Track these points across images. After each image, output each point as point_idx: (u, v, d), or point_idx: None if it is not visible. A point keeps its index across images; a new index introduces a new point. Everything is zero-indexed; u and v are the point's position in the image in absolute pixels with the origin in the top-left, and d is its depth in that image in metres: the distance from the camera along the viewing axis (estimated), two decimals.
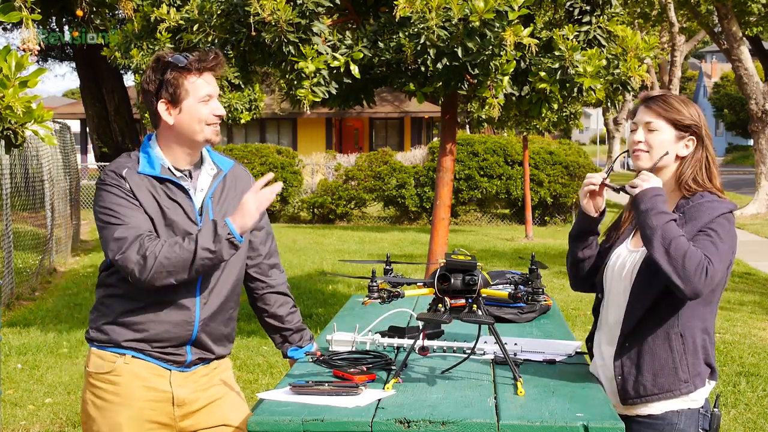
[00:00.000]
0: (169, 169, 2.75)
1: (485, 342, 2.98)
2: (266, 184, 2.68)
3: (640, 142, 2.70)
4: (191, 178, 2.80)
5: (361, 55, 6.52)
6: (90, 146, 30.83)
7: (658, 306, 2.61)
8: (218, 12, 6.55)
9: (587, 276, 2.91)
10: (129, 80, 26.99)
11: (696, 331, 2.63)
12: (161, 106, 2.72)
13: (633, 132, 2.75)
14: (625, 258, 2.74)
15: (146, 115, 9.66)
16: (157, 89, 2.72)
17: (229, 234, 2.60)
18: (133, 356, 2.74)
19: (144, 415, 2.74)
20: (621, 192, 2.68)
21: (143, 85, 2.76)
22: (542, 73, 6.56)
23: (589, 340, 2.93)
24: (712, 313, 2.68)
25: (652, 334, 2.62)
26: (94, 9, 14.59)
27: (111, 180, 2.70)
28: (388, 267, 2.86)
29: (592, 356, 2.90)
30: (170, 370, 2.78)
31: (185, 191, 2.75)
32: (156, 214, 2.70)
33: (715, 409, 2.70)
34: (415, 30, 6.16)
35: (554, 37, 6.55)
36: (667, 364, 2.61)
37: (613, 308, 2.75)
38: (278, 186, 2.69)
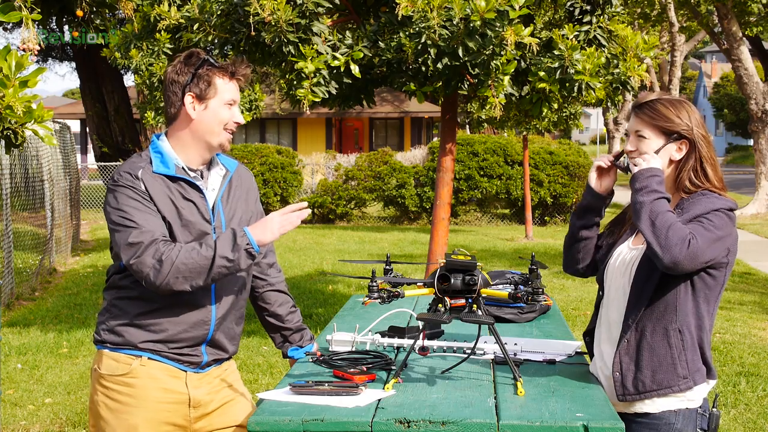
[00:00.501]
0: (183, 168, 2.76)
1: (485, 342, 2.98)
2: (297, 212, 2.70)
3: (633, 150, 2.73)
4: (202, 178, 2.81)
5: (362, 55, 6.52)
6: (90, 146, 30.84)
7: (656, 301, 2.62)
8: (218, 12, 6.55)
9: (581, 259, 2.93)
10: (129, 80, 27.00)
11: (693, 328, 2.63)
12: (188, 99, 2.73)
13: (627, 139, 2.79)
14: (626, 255, 2.75)
15: (146, 114, 9.64)
16: (187, 81, 2.73)
17: (248, 244, 2.61)
18: (149, 358, 2.74)
19: (160, 416, 2.74)
20: (628, 172, 2.72)
21: (171, 75, 2.76)
22: (542, 73, 6.56)
23: (587, 335, 2.93)
24: (710, 312, 2.67)
25: (650, 330, 2.63)
26: (94, 9, 14.59)
27: (125, 181, 2.68)
28: (388, 267, 2.86)
29: (590, 354, 2.90)
30: (186, 371, 2.78)
31: (199, 190, 2.76)
32: (173, 214, 2.69)
33: (714, 409, 2.70)
34: (416, 29, 6.16)
35: (554, 36, 6.55)
36: (665, 360, 2.61)
37: (613, 306, 2.75)
38: (306, 212, 2.70)
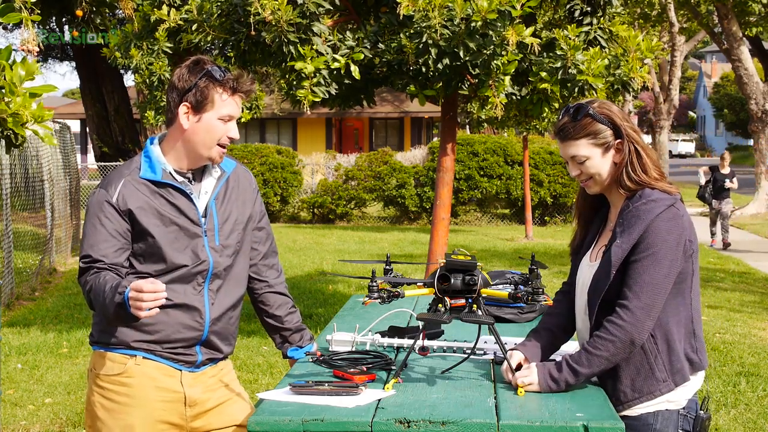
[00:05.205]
0: (171, 173, 2.75)
1: (485, 342, 2.97)
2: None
3: (579, 174, 2.67)
4: (194, 181, 2.80)
5: (362, 56, 6.52)
6: (90, 146, 30.85)
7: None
8: (217, 12, 6.55)
9: None
10: (129, 80, 27.00)
11: (670, 326, 2.57)
12: (182, 109, 2.71)
13: (566, 164, 2.72)
14: (585, 271, 2.71)
15: (146, 114, 9.64)
16: (185, 90, 2.70)
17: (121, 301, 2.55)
18: (144, 357, 2.74)
19: (156, 415, 2.75)
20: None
21: (174, 80, 2.73)
22: (543, 74, 6.56)
23: None
24: (685, 303, 2.60)
25: None
26: (94, 9, 14.59)
27: (101, 195, 2.71)
28: (388, 267, 2.85)
29: None
30: (181, 370, 2.79)
31: (187, 195, 2.75)
32: (155, 220, 2.70)
33: (701, 412, 2.63)
34: (417, 29, 6.16)
35: (556, 36, 6.55)
36: (642, 366, 2.56)
37: (580, 320, 2.73)
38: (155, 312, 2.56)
